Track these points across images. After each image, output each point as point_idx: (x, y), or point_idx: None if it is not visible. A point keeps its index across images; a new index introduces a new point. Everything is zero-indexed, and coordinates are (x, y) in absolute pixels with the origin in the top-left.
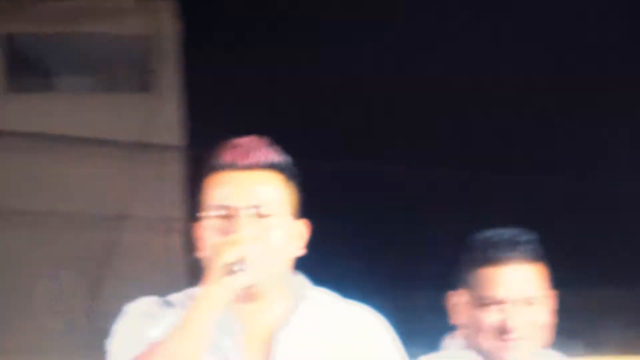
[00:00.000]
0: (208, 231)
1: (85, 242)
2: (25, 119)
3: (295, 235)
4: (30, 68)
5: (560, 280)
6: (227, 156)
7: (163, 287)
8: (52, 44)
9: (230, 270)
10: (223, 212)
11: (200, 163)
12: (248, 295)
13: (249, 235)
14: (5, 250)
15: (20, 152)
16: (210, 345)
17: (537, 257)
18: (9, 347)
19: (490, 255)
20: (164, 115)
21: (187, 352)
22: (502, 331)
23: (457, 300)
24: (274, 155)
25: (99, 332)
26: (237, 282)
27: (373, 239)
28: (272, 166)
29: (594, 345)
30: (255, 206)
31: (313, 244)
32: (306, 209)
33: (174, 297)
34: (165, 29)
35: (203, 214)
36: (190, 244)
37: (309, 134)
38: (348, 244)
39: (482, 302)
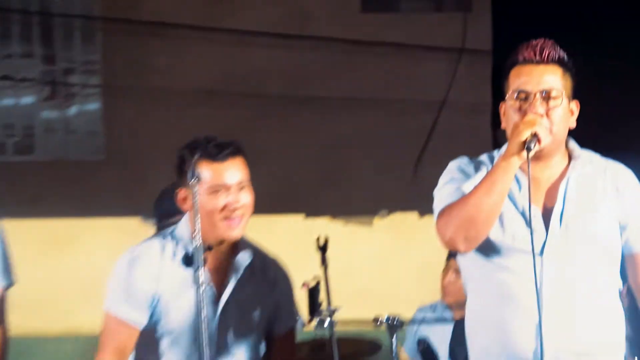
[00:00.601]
0: (510, 110)
1: (411, 124)
2: (376, 33)
3: (570, 112)
4: None
5: None
6: (524, 53)
7: (473, 153)
8: None
9: (525, 143)
10: (521, 96)
11: (503, 62)
12: (537, 156)
13: (540, 114)
14: (338, 135)
15: (373, 57)
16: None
17: None
18: (343, 205)
19: None
20: (479, 28)
21: (490, 201)
22: None
23: None
24: (558, 53)
25: (423, 189)
26: (530, 152)
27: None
28: (556, 61)
29: None
30: (545, 91)
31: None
32: (576, 93)
33: (482, 157)
34: None
35: (507, 97)
36: (494, 123)
37: (586, 38)
38: (605, 115)
39: None
